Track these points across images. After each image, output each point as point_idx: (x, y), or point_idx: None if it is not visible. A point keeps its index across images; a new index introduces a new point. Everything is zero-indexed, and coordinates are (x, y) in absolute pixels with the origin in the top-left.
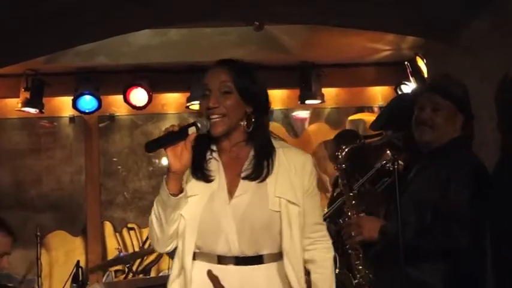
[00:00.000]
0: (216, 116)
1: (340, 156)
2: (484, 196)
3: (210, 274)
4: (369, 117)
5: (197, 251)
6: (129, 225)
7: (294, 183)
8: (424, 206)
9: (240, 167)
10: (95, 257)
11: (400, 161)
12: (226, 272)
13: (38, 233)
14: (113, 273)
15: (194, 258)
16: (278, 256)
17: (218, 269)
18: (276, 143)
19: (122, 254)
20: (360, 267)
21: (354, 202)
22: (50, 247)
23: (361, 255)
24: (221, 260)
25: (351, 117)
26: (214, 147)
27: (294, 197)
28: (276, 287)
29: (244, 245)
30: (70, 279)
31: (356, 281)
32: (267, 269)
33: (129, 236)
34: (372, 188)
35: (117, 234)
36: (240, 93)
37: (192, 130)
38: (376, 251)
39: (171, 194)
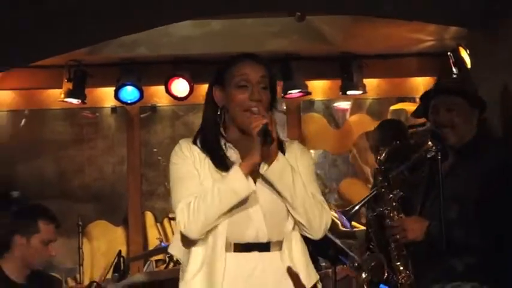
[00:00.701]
0: (254, 110)
1: (380, 158)
2: None
3: (289, 271)
4: (411, 107)
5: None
6: (170, 216)
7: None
8: (465, 202)
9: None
10: (136, 247)
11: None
12: (252, 259)
13: (80, 223)
14: (154, 262)
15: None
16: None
17: (244, 257)
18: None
19: (163, 243)
20: (402, 267)
21: (394, 204)
22: (91, 237)
23: (402, 256)
24: (247, 247)
25: (392, 107)
26: (227, 136)
27: None
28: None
29: (271, 231)
30: (111, 269)
31: (399, 281)
32: (277, 255)
33: (170, 226)
34: (411, 177)
35: (158, 224)
36: (271, 90)
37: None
38: (416, 249)
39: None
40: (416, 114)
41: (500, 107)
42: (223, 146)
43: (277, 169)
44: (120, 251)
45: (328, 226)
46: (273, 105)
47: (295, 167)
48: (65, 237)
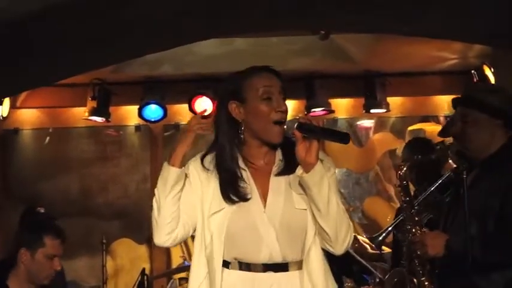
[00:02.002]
0: (283, 121)
1: (400, 173)
2: None
3: None
4: (429, 127)
5: (234, 261)
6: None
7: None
8: (484, 216)
9: (269, 167)
10: (159, 264)
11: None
12: (267, 280)
13: (104, 241)
14: (177, 281)
15: (228, 267)
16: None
17: (260, 278)
18: None
19: (186, 262)
20: (426, 283)
21: (416, 219)
22: (115, 254)
23: (427, 271)
24: (261, 268)
25: (410, 128)
26: (243, 155)
27: None
28: None
29: (286, 250)
30: (135, 287)
31: None
32: (296, 275)
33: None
34: (442, 197)
35: (182, 242)
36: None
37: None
38: (441, 264)
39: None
40: (442, 134)
41: None
42: (241, 167)
43: (318, 173)
44: (143, 269)
45: (351, 243)
46: None
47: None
48: (89, 255)
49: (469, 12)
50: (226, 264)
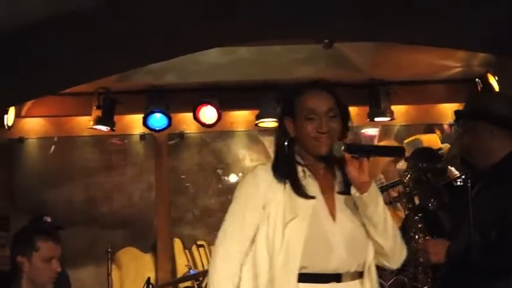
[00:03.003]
0: (324, 137)
1: (404, 180)
2: None
3: None
4: (426, 137)
5: (302, 272)
6: (199, 242)
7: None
8: (488, 225)
9: (331, 183)
10: (164, 273)
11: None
12: None
13: (109, 250)
14: None
15: (299, 281)
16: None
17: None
18: None
19: (191, 271)
20: None
21: (420, 226)
22: (120, 263)
23: (429, 279)
24: (328, 278)
25: (406, 141)
26: (304, 166)
27: None
28: None
29: (351, 261)
30: None
31: None
32: (359, 285)
33: (199, 253)
34: (444, 205)
35: (187, 251)
36: (342, 117)
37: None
38: (444, 273)
39: None
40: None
41: None
42: (302, 173)
43: (374, 191)
44: (149, 278)
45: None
46: (346, 131)
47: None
48: (94, 264)
49: (472, 20)
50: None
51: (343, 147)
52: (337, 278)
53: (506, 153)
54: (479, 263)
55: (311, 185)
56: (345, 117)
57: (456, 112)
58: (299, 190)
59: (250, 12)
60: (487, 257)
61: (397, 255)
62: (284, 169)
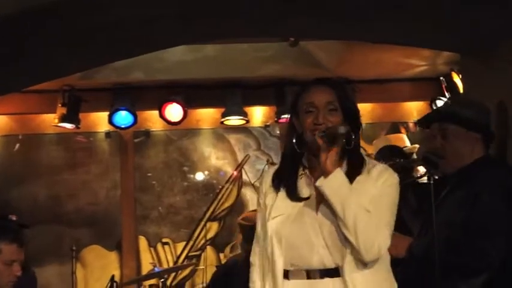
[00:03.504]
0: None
1: None
2: None
3: None
4: (393, 136)
5: (290, 269)
6: (164, 240)
7: (367, 188)
8: (454, 225)
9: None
10: (129, 271)
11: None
12: (316, 286)
13: (74, 248)
14: (147, 287)
15: (286, 278)
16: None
17: (309, 284)
18: (370, 161)
19: (156, 268)
20: None
21: None
22: (85, 262)
23: None
24: (311, 274)
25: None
26: (306, 164)
27: (366, 202)
28: None
29: (331, 257)
30: None
31: None
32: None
33: (164, 251)
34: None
35: (152, 248)
36: (343, 111)
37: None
38: (404, 269)
39: None
40: (421, 123)
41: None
42: (302, 171)
43: (333, 181)
44: (113, 276)
45: (382, 251)
46: (351, 124)
47: (369, 189)
48: (59, 262)
49: (437, 19)
50: (285, 273)
51: (321, 134)
52: (319, 274)
53: (476, 157)
54: (437, 258)
55: (306, 184)
56: (348, 112)
57: (428, 115)
58: (292, 195)
59: (218, 10)
60: (446, 253)
61: (363, 250)
62: (285, 172)
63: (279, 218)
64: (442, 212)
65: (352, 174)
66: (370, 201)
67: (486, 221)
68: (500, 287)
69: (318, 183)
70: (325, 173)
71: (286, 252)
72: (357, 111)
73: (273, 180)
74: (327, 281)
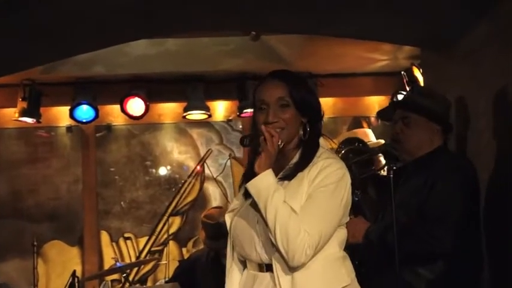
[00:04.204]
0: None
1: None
2: (471, 196)
3: None
4: (361, 131)
5: (242, 259)
6: (126, 235)
7: (301, 188)
8: (410, 210)
9: (281, 171)
10: (91, 266)
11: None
12: (257, 278)
13: (35, 243)
14: (110, 282)
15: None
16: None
17: (253, 276)
18: (323, 154)
19: (118, 263)
20: None
21: None
22: (46, 257)
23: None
24: (253, 267)
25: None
26: None
27: (297, 203)
28: None
29: (265, 252)
30: None
31: None
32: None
33: (126, 246)
34: (367, 196)
35: (114, 243)
36: (297, 105)
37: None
38: (362, 255)
39: None
40: (381, 115)
41: (453, 125)
42: None
43: (258, 183)
44: (74, 271)
45: (304, 255)
46: (308, 116)
47: (303, 188)
48: (20, 258)
49: (398, 13)
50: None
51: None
52: (258, 268)
53: (434, 147)
54: (392, 243)
55: None
56: (302, 105)
57: (393, 102)
58: (245, 192)
59: (179, 2)
60: (399, 238)
61: (285, 254)
62: (248, 169)
63: (232, 212)
64: (398, 197)
65: (297, 166)
66: (303, 202)
67: (441, 208)
68: (459, 271)
69: (246, 184)
70: (255, 174)
71: (234, 244)
72: (313, 102)
73: (241, 176)
74: (265, 275)
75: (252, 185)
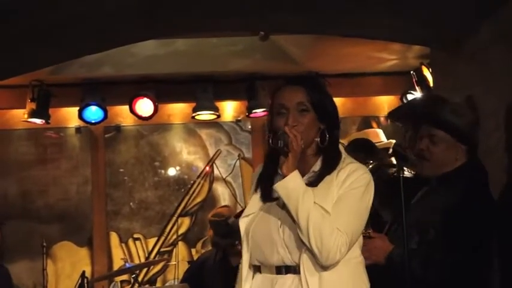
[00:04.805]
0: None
1: None
2: (488, 232)
3: None
4: (371, 131)
5: (258, 264)
6: (135, 236)
7: (331, 190)
8: (425, 231)
9: (302, 177)
10: (100, 267)
11: (407, 170)
12: (277, 281)
13: (44, 244)
14: (119, 283)
15: (259, 271)
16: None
17: (271, 279)
18: (346, 160)
19: (127, 264)
20: None
21: None
22: (56, 258)
23: None
24: (273, 270)
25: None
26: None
27: (328, 204)
28: None
29: (288, 255)
30: None
31: None
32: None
33: (135, 246)
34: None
35: (123, 244)
36: (316, 110)
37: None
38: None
39: None
40: (392, 116)
41: None
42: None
43: (287, 185)
44: (83, 272)
45: (338, 255)
46: (327, 122)
47: (333, 191)
48: (29, 259)
49: (405, 13)
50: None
51: (269, 138)
52: (279, 271)
53: (458, 165)
54: (417, 272)
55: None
56: (321, 111)
57: (422, 113)
58: (263, 195)
59: (187, 3)
60: (426, 268)
61: (319, 254)
62: (264, 172)
63: (249, 216)
64: (417, 211)
65: (322, 173)
66: (333, 203)
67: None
68: None
69: (274, 186)
70: (282, 176)
71: (252, 249)
72: (332, 108)
73: (257, 180)
74: (287, 277)
75: (281, 187)
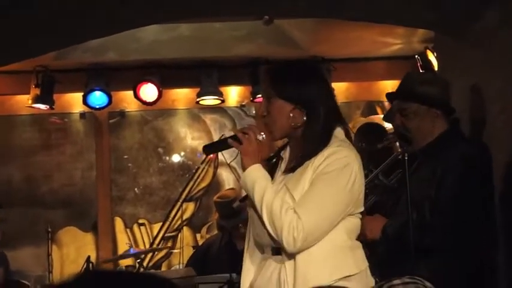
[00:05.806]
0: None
1: None
2: (482, 183)
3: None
4: (377, 118)
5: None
6: (140, 221)
7: (304, 177)
8: (421, 203)
9: (286, 163)
10: (105, 252)
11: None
12: (267, 260)
13: (49, 229)
14: (124, 268)
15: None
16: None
17: (263, 258)
18: (335, 143)
19: (132, 249)
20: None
21: None
22: (60, 243)
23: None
24: (265, 249)
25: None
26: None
27: (299, 192)
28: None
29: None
30: None
31: None
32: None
33: (140, 232)
34: (386, 180)
35: (128, 230)
36: (280, 95)
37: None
38: (381, 252)
39: None
40: (386, 118)
41: (468, 108)
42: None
43: (246, 177)
44: (89, 257)
45: (306, 242)
46: (302, 108)
47: (306, 178)
48: (34, 244)
49: None
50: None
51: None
52: (270, 251)
53: (438, 133)
54: (413, 239)
55: (279, 170)
56: (289, 97)
57: (389, 94)
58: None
59: None
60: (421, 234)
61: (279, 240)
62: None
63: None
64: (411, 187)
65: (301, 159)
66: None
67: (453, 203)
68: (473, 263)
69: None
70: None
71: (252, 229)
72: (305, 90)
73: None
74: (276, 257)
75: (243, 179)
